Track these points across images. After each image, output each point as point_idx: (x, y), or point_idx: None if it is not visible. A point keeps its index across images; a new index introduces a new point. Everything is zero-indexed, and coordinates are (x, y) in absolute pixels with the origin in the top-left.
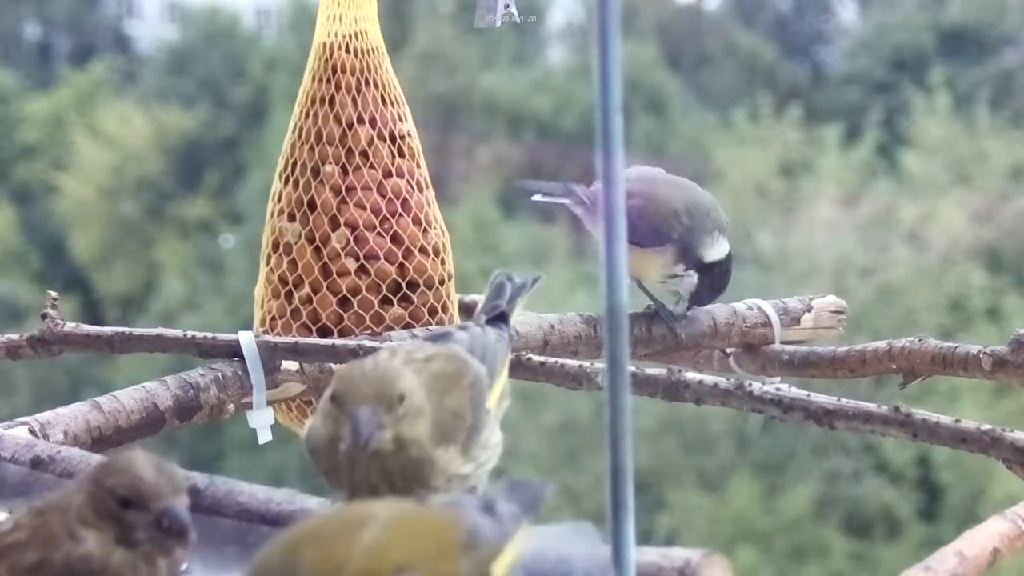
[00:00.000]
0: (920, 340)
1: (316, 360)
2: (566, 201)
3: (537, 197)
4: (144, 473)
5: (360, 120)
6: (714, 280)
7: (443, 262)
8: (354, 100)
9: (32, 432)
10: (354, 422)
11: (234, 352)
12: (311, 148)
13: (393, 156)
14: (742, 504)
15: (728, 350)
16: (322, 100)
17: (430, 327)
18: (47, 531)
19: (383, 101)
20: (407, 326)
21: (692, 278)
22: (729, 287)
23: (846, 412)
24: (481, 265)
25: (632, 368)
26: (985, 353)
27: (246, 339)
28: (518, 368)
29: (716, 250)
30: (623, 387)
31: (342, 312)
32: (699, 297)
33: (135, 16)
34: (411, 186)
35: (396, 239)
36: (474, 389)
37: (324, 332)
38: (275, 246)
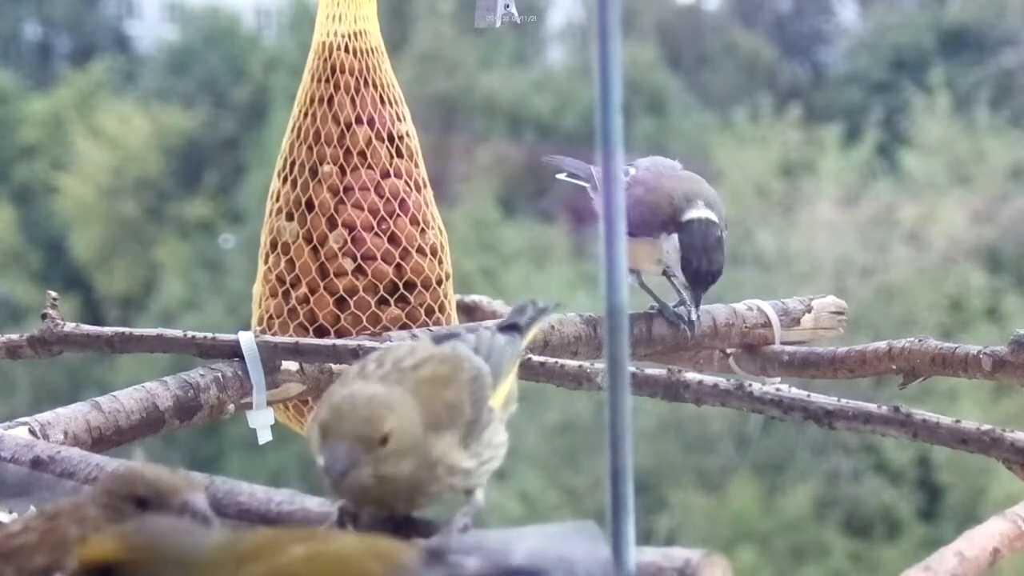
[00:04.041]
0: (920, 340)
1: (316, 360)
2: (586, 185)
3: (562, 176)
4: (159, 474)
5: (359, 120)
6: (694, 239)
7: (441, 262)
8: (353, 100)
9: (32, 432)
10: (329, 458)
11: (234, 352)
12: (309, 148)
13: (391, 156)
14: (742, 504)
15: (728, 350)
16: (321, 100)
17: (428, 327)
18: (57, 535)
19: (382, 101)
20: (404, 326)
21: (673, 240)
22: (725, 270)
23: (846, 412)
24: (481, 265)
25: (632, 368)
26: (985, 353)
27: (246, 339)
28: (518, 368)
29: (695, 212)
30: (623, 387)
31: (339, 312)
32: (688, 263)
33: (135, 16)
34: (409, 186)
35: (393, 239)
36: (474, 384)
37: (321, 332)
38: (273, 245)
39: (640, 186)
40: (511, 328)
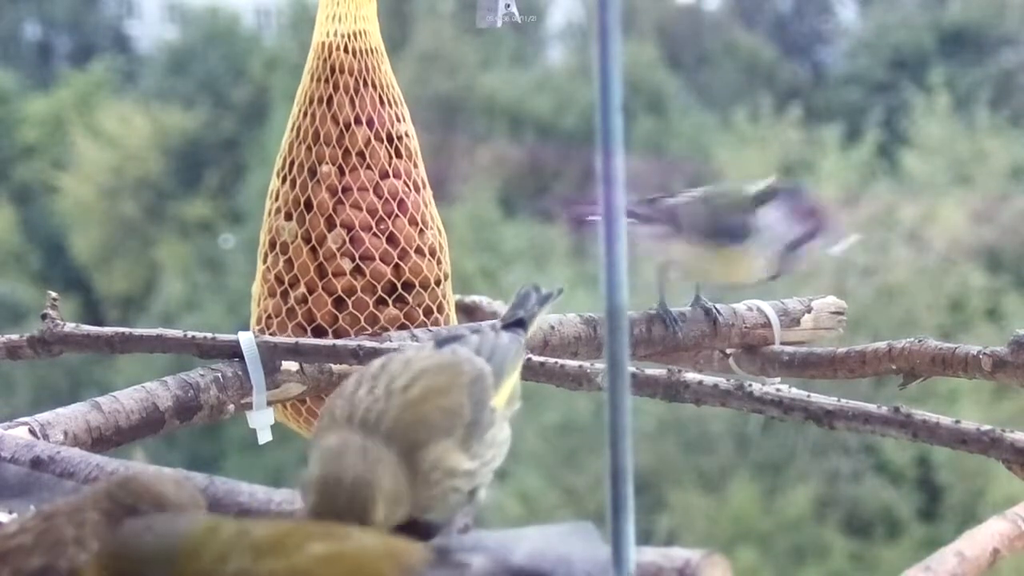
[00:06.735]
0: (920, 341)
1: (316, 360)
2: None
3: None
4: (165, 489)
5: (358, 121)
6: (792, 198)
7: (439, 262)
8: (352, 100)
9: (32, 432)
10: None
11: (234, 352)
12: (308, 148)
13: (390, 157)
14: (742, 504)
15: (728, 351)
16: (320, 100)
17: (427, 328)
18: (53, 536)
19: (381, 102)
20: (402, 327)
21: (767, 213)
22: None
23: (846, 412)
24: (481, 265)
25: (632, 368)
26: (985, 354)
27: (246, 339)
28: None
29: (774, 184)
30: (623, 387)
31: (337, 312)
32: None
33: (135, 16)
34: (408, 187)
35: (392, 240)
36: (474, 386)
37: (319, 332)
38: (272, 245)
39: (695, 193)
40: (516, 324)
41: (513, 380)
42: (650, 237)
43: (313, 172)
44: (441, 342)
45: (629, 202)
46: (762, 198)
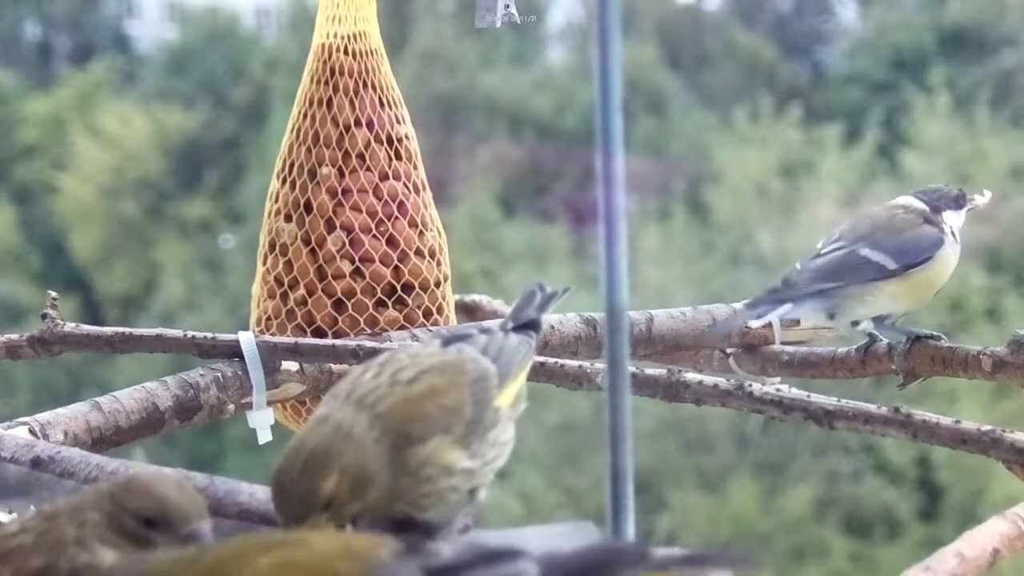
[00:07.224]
0: (920, 340)
1: (316, 360)
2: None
3: None
4: (170, 494)
5: (358, 122)
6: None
7: (439, 264)
8: (352, 102)
9: (32, 432)
10: (279, 519)
11: (234, 352)
12: (308, 150)
13: (390, 159)
14: (742, 504)
15: (728, 350)
16: (320, 102)
17: (427, 329)
18: (53, 536)
19: (381, 103)
20: (402, 328)
21: (953, 216)
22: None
23: (846, 412)
24: (481, 265)
25: (632, 368)
26: (985, 354)
27: (246, 339)
28: None
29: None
30: (623, 387)
31: (337, 314)
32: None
33: (135, 16)
34: (408, 188)
35: (392, 242)
36: (477, 386)
37: (318, 334)
38: (271, 246)
39: (882, 231)
40: (527, 326)
41: (520, 381)
42: (851, 298)
43: (313, 174)
44: (448, 340)
45: (779, 295)
46: (936, 205)
